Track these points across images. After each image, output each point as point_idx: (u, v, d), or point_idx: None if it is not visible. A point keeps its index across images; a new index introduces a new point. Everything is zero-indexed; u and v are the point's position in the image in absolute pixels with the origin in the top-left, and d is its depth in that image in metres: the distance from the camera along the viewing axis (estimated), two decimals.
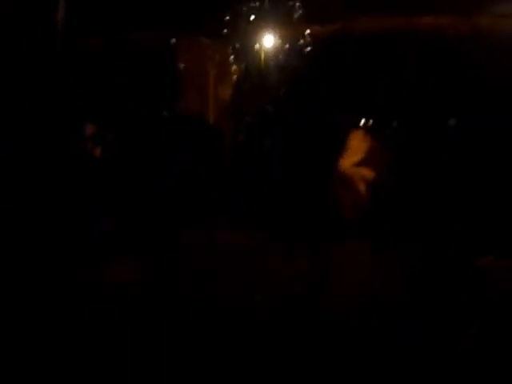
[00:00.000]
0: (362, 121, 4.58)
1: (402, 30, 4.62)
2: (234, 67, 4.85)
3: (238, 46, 4.82)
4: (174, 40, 4.90)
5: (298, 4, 4.75)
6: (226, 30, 4.80)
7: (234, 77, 4.87)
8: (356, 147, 4.54)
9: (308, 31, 4.75)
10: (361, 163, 4.51)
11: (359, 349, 3.87)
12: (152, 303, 4.05)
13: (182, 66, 4.91)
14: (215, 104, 4.91)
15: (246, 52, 4.81)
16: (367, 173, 4.50)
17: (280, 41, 4.78)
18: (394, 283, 4.13)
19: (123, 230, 4.42)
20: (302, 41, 4.74)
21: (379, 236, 4.35)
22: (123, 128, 4.81)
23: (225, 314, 4.04)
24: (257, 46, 4.79)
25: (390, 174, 4.48)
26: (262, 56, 4.77)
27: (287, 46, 4.77)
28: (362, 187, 4.51)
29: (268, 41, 4.79)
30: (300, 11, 4.74)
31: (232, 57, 4.84)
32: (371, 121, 4.58)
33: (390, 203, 4.44)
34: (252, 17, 4.77)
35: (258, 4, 4.75)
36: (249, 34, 4.78)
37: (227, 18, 4.78)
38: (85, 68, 4.82)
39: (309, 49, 4.73)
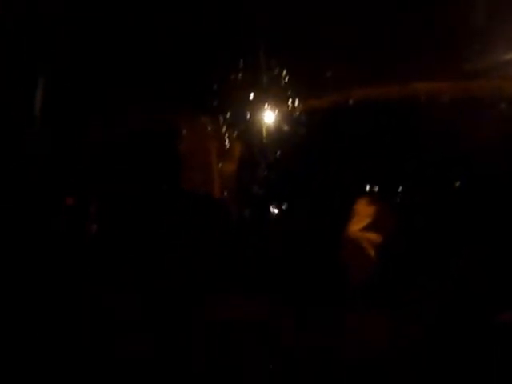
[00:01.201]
0: (368, 186, 4.63)
1: (398, 98, 4.73)
2: (237, 142, 4.94)
3: (238, 122, 4.92)
4: (174, 120, 5.00)
5: (293, 78, 4.88)
6: (225, 108, 4.92)
7: (237, 152, 4.95)
8: (363, 212, 4.55)
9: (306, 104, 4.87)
10: (368, 228, 4.51)
11: None
12: None
13: (183, 145, 4.98)
14: (220, 180, 4.96)
15: (247, 127, 4.91)
16: (375, 237, 4.49)
17: (280, 114, 4.88)
18: (407, 347, 4.07)
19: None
20: (300, 114, 4.85)
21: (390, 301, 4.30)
22: (127, 208, 4.84)
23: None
24: (257, 120, 4.89)
25: (398, 238, 4.46)
26: (264, 130, 4.86)
27: (287, 119, 4.87)
28: (370, 252, 4.48)
29: (268, 115, 4.89)
30: (296, 85, 4.86)
31: (233, 133, 4.93)
32: (377, 186, 4.63)
33: (400, 267, 4.41)
34: (251, 93, 4.89)
35: (255, 80, 4.87)
36: (248, 109, 4.89)
37: (225, 95, 4.90)
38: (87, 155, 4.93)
39: (308, 121, 4.83)
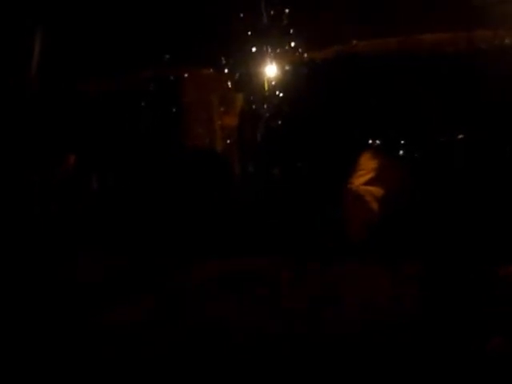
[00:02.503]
0: (372, 140, 4.61)
1: (404, 48, 4.68)
2: (239, 96, 4.90)
3: (240, 75, 4.86)
4: (177, 73, 4.94)
5: (297, 31, 4.81)
6: (227, 61, 4.86)
7: (239, 105, 4.92)
8: (367, 166, 4.55)
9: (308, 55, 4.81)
10: (372, 182, 4.51)
11: (370, 361, 3.82)
12: None
13: (186, 98, 4.94)
14: (222, 133, 4.94)
15: (249, 81, 4.86)
16: (378, 191, 4.50)
17: (282, 67, 4.83)
18: (407, 297, 4.09)
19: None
20: (304, 65, 4.79)
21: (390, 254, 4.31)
22: (130, 163, 4.84)
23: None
24: (259, 73, 4.84)
25: (400, 192, 4.47)
26: (266, 83, 4.81)
27: (290, 71, 4.81)
28: (373, 206, 4.50)
29: (270, 68, 4.84)
30: (300, 38, 4.80)
31: (235, 86, 4.88)
32: (380, 140, 4.61)
33: (402, 220, 4.41)
34: (253, 46, 4.82)
35: (258, 33, 4.80)
36: (250, 63, 4.83)
37: (228, 49, 4.84)
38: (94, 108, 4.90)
39: (311, 71, 4.77)
